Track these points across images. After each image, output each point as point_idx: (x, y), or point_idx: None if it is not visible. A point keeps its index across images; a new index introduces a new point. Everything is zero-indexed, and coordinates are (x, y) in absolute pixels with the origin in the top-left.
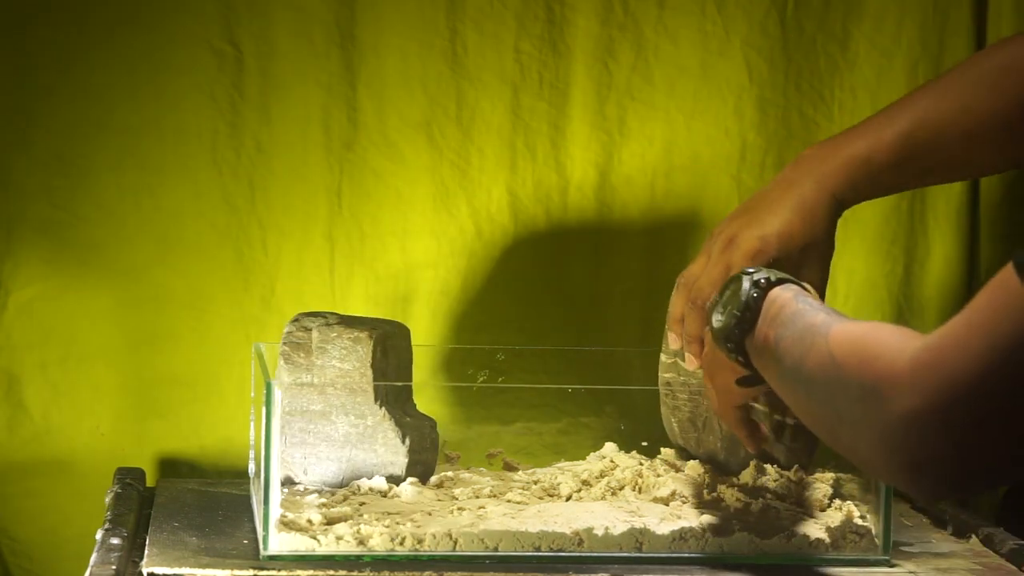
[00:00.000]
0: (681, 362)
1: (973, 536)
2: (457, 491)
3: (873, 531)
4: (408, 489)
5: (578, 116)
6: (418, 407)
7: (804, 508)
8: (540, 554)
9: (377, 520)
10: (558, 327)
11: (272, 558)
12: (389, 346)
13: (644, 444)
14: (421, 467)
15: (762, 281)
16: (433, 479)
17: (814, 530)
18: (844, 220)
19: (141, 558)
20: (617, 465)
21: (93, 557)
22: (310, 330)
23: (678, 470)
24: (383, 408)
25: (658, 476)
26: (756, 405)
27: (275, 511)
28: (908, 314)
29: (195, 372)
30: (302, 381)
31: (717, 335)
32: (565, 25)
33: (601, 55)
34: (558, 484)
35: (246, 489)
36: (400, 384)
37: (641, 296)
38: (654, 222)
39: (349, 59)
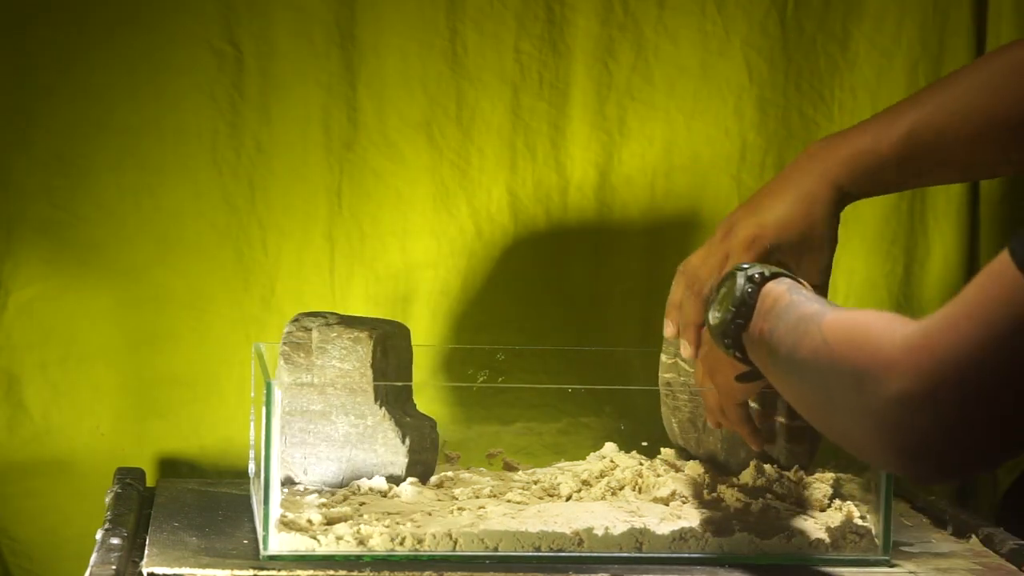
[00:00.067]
0: (682, 362)
1: (973, 536)
2: (457, 491)
3: (873, 531)
4: (408, 489)
5: (578, 116)
6: (418, 407)
7: (804, 508)
8: (540, 554)
9: (377, 520)
10: (558, 327)
11: (272, 558)
12: (389, 346)
13: (644, 444)
14: (421, 467)
15: (756, 276)
16: (433, 479)
17: (814, 530)
18: (844, 220)
19: (141, 558)
20: (617, 465)
21: (93, 557)
22: (310, 330)
23: (678, 470)
24: (383, 408)
25: (658, 476)
26: (754, 404)
27: (275, 511)
28: (908, 314)
29: (195, 372)
30: (302, 381)
31: (714, 332)
32: (565, 25)
33: (601, 55)
34: (558, 484)
35: (246, 489)
36: (400, 384)
37: (641, 296)
38: (654, 222)
39: (349, 59)
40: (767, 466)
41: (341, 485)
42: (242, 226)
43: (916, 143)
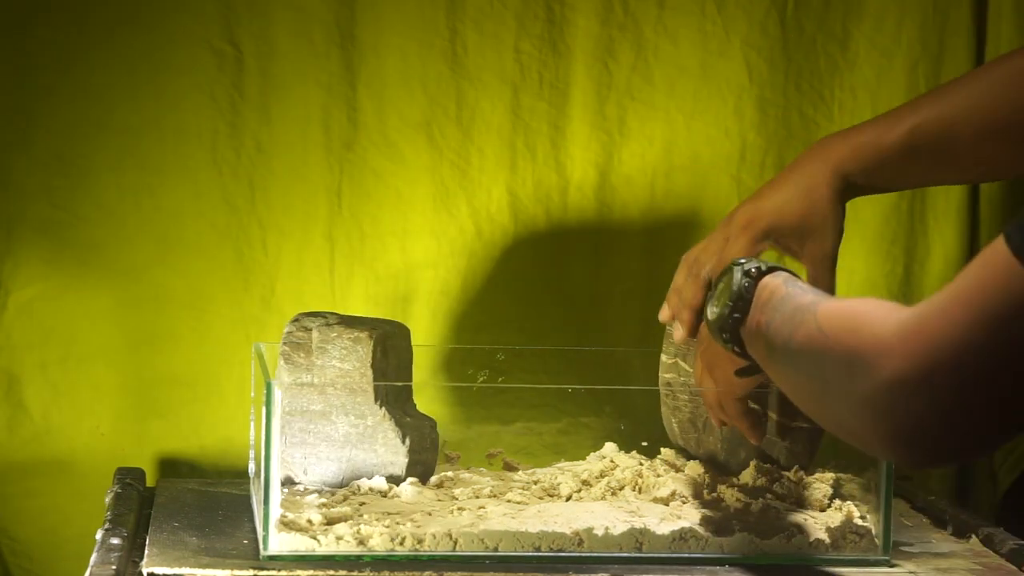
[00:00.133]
0: (682, 362)
1: (973, 536)
2: (457, 491)
3: (873, 531)
4: (408, 489)
5: (578, 116)
6: (418, 407)
7: (804, 508)
8: (540, 554)
9: (377, 520)
10: (558, 327)
11: (272, 558)
12: (389, 346)
13: (644, 444)
14: (421, 467)
15: (753, 270)
16: (433, 479)
17: (814, 530)
18: (845, 220)
19: (141, 558)
20: (617, 465)
21: (93, 557)
22: (310, 330)
23: (678, 470)
24: (383, 408)
25: (658, 476)
26: (754, 405)
27: (275, 511)
28: None
29: (195, 372)
30: (302, 381)
31: (712, 326)
32: (565, 25)
33: (601, 55)
34: (558, 484)
35: (246, 489)
36: (400, 384)
37: (641, 296)
38: (654, 222)
39: (349, 59)
40: (767, 466)
41: (341, 485)
42: (242, 226)
43: (922, 135)
